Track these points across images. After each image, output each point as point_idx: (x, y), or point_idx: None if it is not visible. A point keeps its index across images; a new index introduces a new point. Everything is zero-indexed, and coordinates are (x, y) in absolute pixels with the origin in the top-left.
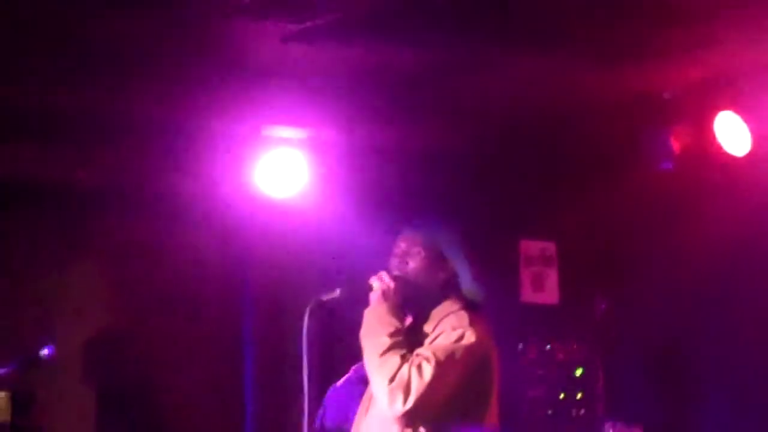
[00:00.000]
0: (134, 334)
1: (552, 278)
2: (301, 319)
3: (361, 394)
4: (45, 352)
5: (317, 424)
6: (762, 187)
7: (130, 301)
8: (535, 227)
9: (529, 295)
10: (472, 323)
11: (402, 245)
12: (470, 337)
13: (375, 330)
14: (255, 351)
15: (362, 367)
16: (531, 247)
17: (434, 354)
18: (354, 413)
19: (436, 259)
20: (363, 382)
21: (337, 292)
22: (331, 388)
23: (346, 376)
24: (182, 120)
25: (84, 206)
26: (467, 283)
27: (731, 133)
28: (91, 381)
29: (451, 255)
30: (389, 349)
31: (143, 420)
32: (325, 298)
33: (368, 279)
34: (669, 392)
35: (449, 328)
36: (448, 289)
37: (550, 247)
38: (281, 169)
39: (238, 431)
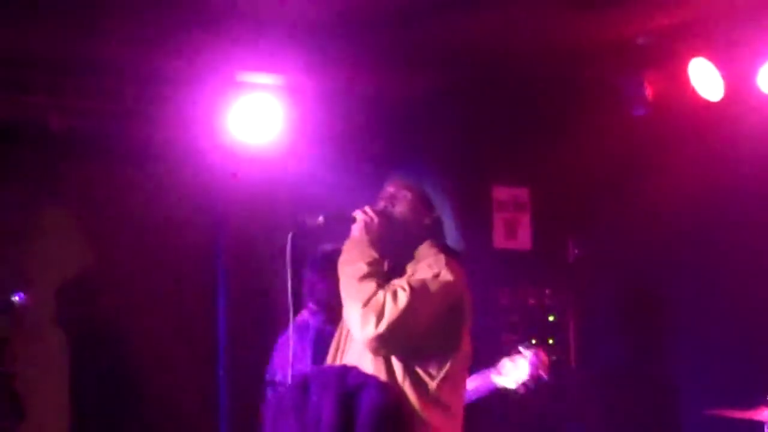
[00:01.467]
0: (106, 278)
1: (525, 224)
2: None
3: (308, 339)
4: (16, 298)
5: (266, 378)
6: (735, 133)
7: (103, 245)
8: (507, 173)
9: (501, 241)
10: (448, 265)
11: (390, 189)
12: (446, 276)
13: (353, 258)
14: (227, 295)
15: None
16: (504, 193)
17: (410, 284)
18: (304, 359)
19: (422, 204)
20: (306, 327)
21: (321, 219)
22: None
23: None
24: (156, 65)
25: (56, 151)
26: (450, 231)
27: (705, 79)
28: (63, 326)
29: (437, 203)
30: (366, 275)
31: (116, 364)
32: (309, 223)
33: (346, 213)
34: (641, 337)
35: (426, 267)
36: (431, 233)
37: (523, 193)
38: (255, 115)
39: (210, 373)
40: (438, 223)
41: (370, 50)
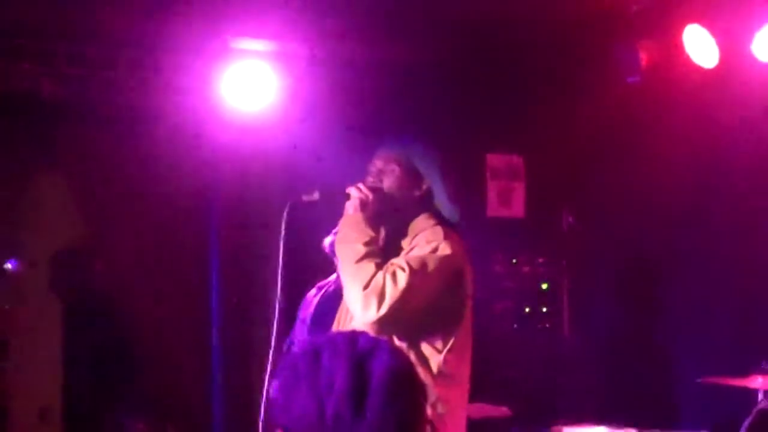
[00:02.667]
0: (99, 245)
1: (519, 192)
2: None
3: (335, 308)
4: (9, 265)
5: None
6: (730, 99)
7: (97, 213)
8: (502, 141)
9: (495, 209)
10: (446, 237)
11: (377, 163)
12: (445, 249)
13: (350, 238)
14: (221, 262)
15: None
16: (498, 160)
17: (408, 263)
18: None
19: (411, 176)
20: (337, 295)
21: (316, 194)
22: (303, 304)
23: (319, 291)
24: (148, 32)
25: (50, 119)
26: (443, 201)
27: (699, 46)
28: (56, 293)
29: (426, 172)
30: (364, 256)
31: (109, 332)
32: (305, 198)
33: (340, 190)
34: (634, 305)
35: (424, 242)
36: (424, 205)
37: (518, 161)
38: (249, 81)
39: (204, 340)
40: (429, 194)
41: (364, 18)
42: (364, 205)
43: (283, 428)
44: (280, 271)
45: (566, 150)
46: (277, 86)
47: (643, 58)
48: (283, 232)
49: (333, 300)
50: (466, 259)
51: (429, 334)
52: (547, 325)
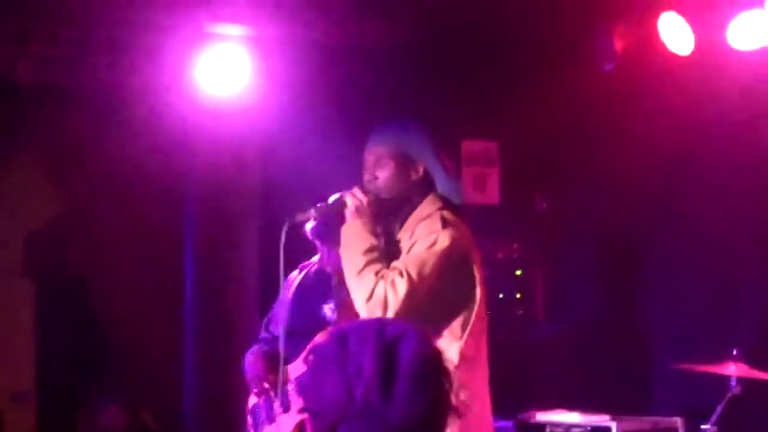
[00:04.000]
0: (75, 227)
1: (493, 178)
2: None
3: (315, 288)
4: None
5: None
6: (704, 87)
7: (70, 195)
8: (476, 127)
9: (470, 195)
10: (445, 225)
11: (370, 158)
12: (443, 241)
13: (350, 248)
14: (195, 246)
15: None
16: (473, 147)
17: (406, 267)
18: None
19: (405, 164)
20: (319, 276)
21: (312, 212)
22: (285, 284)
23: (301, 271)
24: (125, 15)
25: (25, 101)
26: (442, 182)
27: (675, 33)
28: (30, 275)
29: (420, 156)
30: (364, 267)
31: (83, 314)
32: (298, 219)
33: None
34: (609, 291)
35: (424, 235)
36: (425, 188)
37: (492, 147)
38: (224, 66)
39: (178, 322)
40: (428, 176)
41: (339, 1)
42: (360, 210)
43: (311, 412)
44: (282, 290)
45: (541, 136)
46: (252, 71)
47: (618, 45)
48: (281, 253)
49: (314, 280)
50: (470, 243)
51: (446, 323)
52: (521, 312)
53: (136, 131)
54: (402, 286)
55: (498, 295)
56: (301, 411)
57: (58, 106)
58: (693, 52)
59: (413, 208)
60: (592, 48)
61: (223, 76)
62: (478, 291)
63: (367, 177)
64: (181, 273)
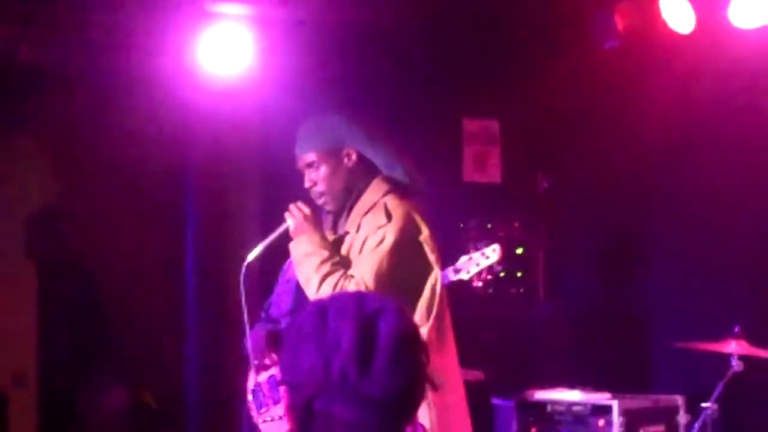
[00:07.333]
0: (76, 209)
1: (494, 157)
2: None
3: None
4: None
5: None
6: (706, 65)
7: (72, 176)
8: (478, 105)
9: (471, 173)
10: (390, 217)
11: (302, 167)
12: (390, 237)
13: (301, 266)
14: (196, 226)
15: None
16: (474, 125)
17: (362, 277)
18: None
19: (335, 156)
20: None
21: (259, 250)
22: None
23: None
24: None
25: (26, 82)
26: (384, 163)
27: (676, 11)
28: (31, 254)
29: (347, 143)
30: (319, 284)
31: (84, 292)
32: (251, 259)
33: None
34: (610, 270)
35: (371, 231)
36: (367, 175)
37: (493, 126)
38: (225, 45)
39: (179, 304)
40: (363, 159)
41: None
42: (301, 226)
43: (289, 384)
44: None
45: (543, 114)
46: (254, 50)
47: (620, 22)
48: (243, 294)
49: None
50: (420, 224)
51: (411, 311)
52: (522, 290)
53: (137, 112)
54: None
55: (499, 274)
56: (279, 383)
57: (59, 88)
58: (694, 30)
59: (359, 195)
60: (593, 26)
61: (225, 55)
62: (435, 271)
63: (307, 185)
64: (182, 253)
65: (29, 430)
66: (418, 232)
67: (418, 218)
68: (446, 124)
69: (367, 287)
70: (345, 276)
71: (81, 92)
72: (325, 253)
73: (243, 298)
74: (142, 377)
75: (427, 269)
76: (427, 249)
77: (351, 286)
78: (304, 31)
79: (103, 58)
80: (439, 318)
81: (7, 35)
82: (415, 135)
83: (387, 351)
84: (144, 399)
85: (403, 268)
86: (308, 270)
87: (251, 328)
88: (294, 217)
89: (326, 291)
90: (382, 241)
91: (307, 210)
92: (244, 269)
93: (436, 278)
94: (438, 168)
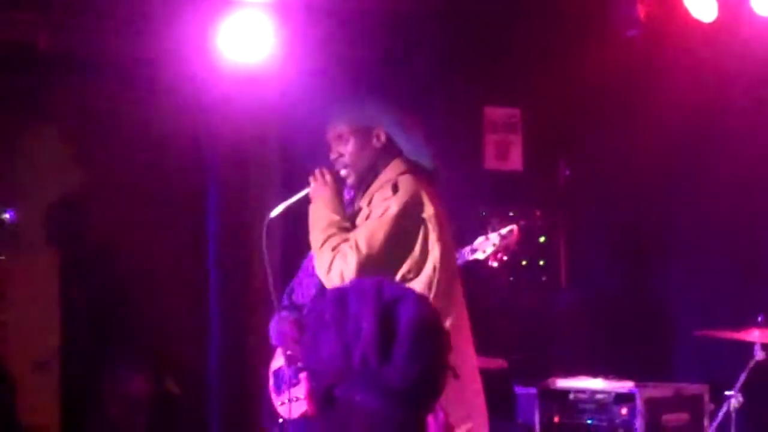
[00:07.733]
0: (97, 196)
1: (516, 145)
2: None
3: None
4: (6, 215)
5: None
6: (728, 53)
7: (93, 164)
8: (499, 94)
9: (492, 162)
10: (396, 191)
11: (331, 138)
12: (392, 208)
13: (313, 226)
14: (218, 213)
15: None
16: (495, 113)
17: (356, 239)
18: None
19: (365, 134)
20: None
21: (282, 206)
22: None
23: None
24: None
25: (47, 69)
26: (407, 147)
27: (697, 0)
28: (53, 246)
29: (379, 123)
30: (323, 243)
31: (107, 283)
32: (273, 215)
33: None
34: (632, 258)
35: (378, 204)
36: (389, 157)
37: (515, 114)
38: (247, 32)
39: (202, 291)
40: (390, 141)
41: None
42: (319, 190)
43: (310, 371)
44: (270, 280)
45: (564, 103)
46: (275, 37)
47: (642, 11)
48: (264, 249)
49: None
50: (426, 202)
51: (413, 285)
52: (544, 278)
53: (158, 99)
54: (352, 257)
55: (521, 262)
56: (301, 369)
57: (80, 75)
58: (716, 19)
59: (377, 175)
60: (615, 14)
61: (246, 42)
62: (441, 250)
63: (333, 156)
64: (204, 239)
65: (51, 416)
66: (422, 208)
67: (425, 196)
68: (468, 112)
69: (359, 251)
70: (345, 240)
71: (102, 80)
72: (336, 217)
73: (265, 255)
74: (164, 363)
75: (429, 246)
76: (431, 226)
77: (346, 249)
78: (325, 19)
79: (124, 46)
80: (445, 295)
81: (27, 22)
82: (437, 123)
83: (407, 338)
84: (166, 385)
85: (399, 240)
86: (317, 230)
87: (276, 295)
88: (316, 181)
89: (326, 251)
90: (384, 212)
91: (329, 177)
92: (265, 226)
93: (438, 256)
94: (460, 156)
